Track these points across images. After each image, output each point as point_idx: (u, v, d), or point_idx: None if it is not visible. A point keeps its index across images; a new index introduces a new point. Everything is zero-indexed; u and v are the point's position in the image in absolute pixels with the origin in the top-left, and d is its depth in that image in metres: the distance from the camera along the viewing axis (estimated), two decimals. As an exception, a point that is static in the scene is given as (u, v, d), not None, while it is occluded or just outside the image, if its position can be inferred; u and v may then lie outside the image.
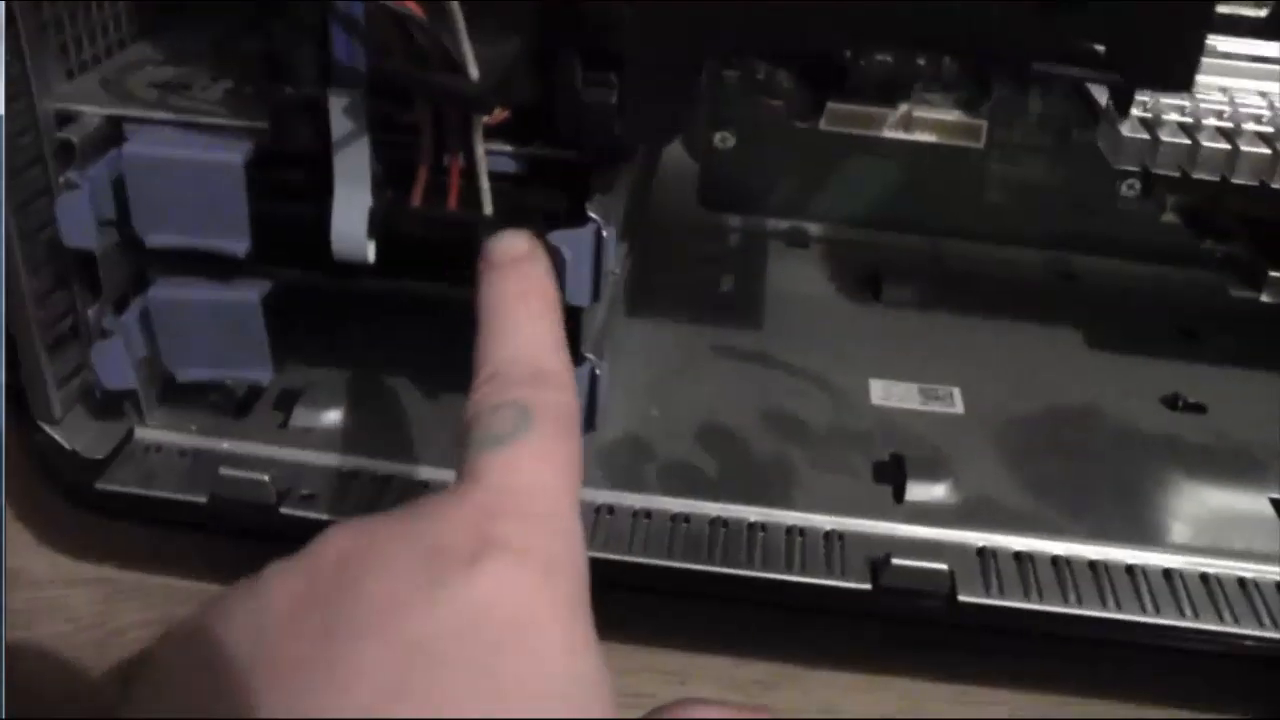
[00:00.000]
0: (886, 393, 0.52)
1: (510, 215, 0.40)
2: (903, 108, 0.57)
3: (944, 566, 0.43)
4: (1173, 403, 0.53)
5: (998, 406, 0.52)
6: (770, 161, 0.60)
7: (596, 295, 0.40)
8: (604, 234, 0.39)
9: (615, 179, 0.40)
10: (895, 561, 0.42)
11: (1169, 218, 0.56)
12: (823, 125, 0.56)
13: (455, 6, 0.33)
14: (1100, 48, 0.37)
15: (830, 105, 0.55)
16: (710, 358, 0.53)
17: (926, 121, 0.57)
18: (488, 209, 0.39)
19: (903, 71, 0.56)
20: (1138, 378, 0.54)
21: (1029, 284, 0.61)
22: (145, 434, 0.47)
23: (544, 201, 0.40)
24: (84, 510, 0.45)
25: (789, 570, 0.43)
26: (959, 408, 0.52)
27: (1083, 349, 0.57)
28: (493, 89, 0.35)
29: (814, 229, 0.62)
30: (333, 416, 0.48)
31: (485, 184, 0.38)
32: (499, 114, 0.38)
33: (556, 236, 0.39)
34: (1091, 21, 0.35)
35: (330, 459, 0.46)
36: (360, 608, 0.25)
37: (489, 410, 0.30)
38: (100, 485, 0.45)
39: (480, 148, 0.37)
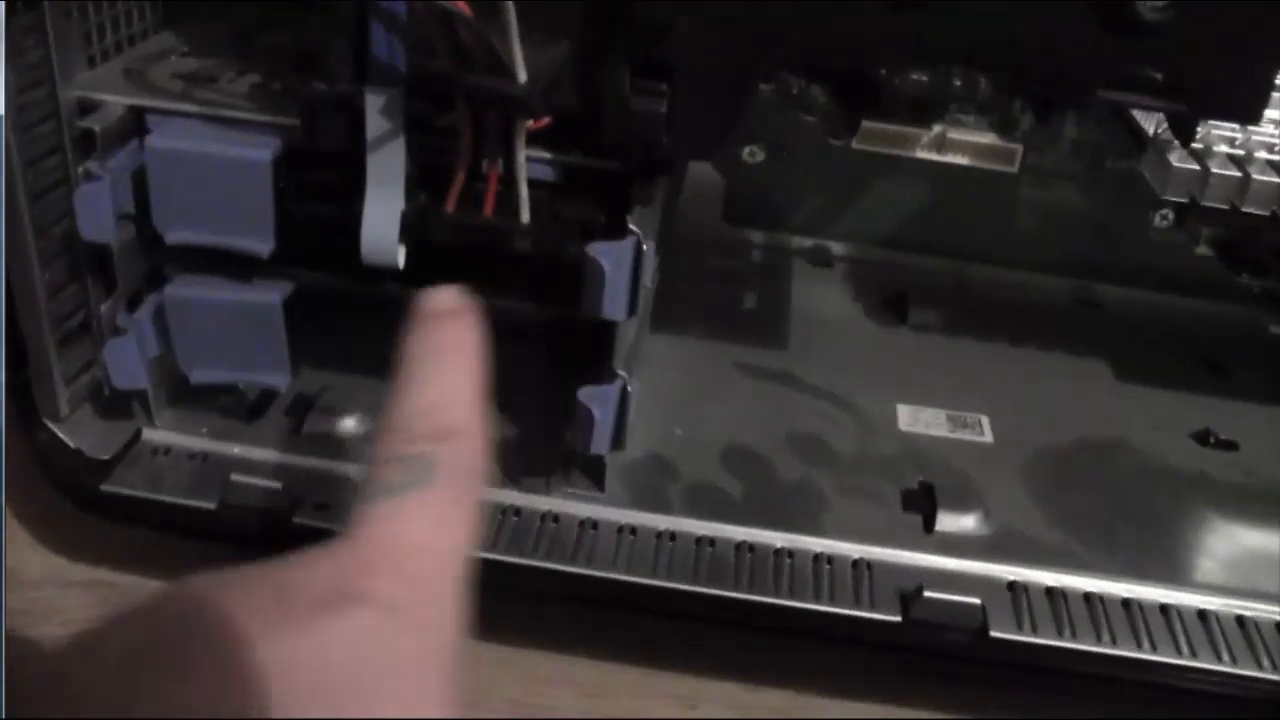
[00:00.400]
0: (914, 418, 0.51)
1: (546, 225, 0.38)
2: (936, 128, 0.56)
3: (976, 600, 0.42)
4: (1204, 439, 0.52)
5: (1026, 436, 0.51)
6: (797, 178, 0.59)
7: (633, 310, 0.39)
8: (644, 247, 0.38)
9: (654, 191, 0.39)
10: (927, 594, 0.41)
11: (1202, 250, 0.55)
12: (856, 144, 0.55)
13: (509, 5, 0.32)
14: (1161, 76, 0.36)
15: (865, 123, 0.54)
16: (734, 376, 0.52)
17: (960, 143, 0.56)
18: (525, 217, 0.37)
19: (937, 91, 0.55)
20: (1166, 412, 0.53)
21: (1054, 311, 0.60)
22: (153, 435, 0.45)
23: (581, 212, 0.39)
24: (88, 512, 0.43)
25: (818, 599, 0.42)
26: (988, 436, 0.50)
27: (1110, 380, 0.56)
28: (541, 93, 0.34)
29: (837, 248, 0.61)
30: (348, 424, 0.46)
31: (524, 191, 0.37)
32: (541, 120, 0.37)
33: (595, 248, 0.37)
34: (1161, 49, 0.34)
35: (345, 467, 0.45)
36: (196, 638, 0.23)
37: (386, 462, 0.29)
38: (106, 487, 0.43)
39: (522, 154, 0.36)
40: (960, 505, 0.45)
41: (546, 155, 0.39)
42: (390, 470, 0.29)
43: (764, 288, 0.58)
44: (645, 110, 0.36)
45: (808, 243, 0.61)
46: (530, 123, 0.37)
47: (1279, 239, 0.50)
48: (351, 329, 0.49)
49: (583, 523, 0.43)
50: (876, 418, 0.51)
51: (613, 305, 0.38)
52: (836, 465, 0.47)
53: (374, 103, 0.37)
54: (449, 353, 0.32)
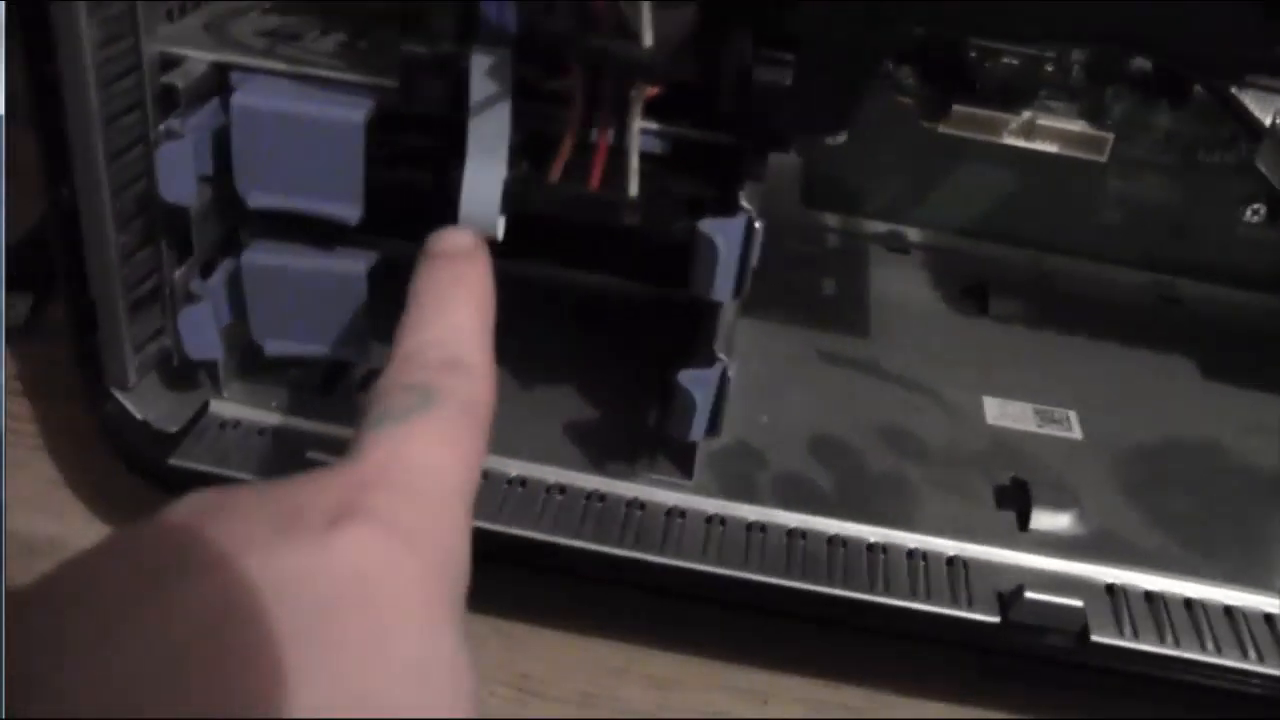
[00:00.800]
0: (1001, 411, 0.49)
1: (654, 199, 0.37)
2: (1025, 114, 0.54)
3: (1078, 603, 0.40)
4: (1289, 436, 0.50)
5: (1116, 434, 0.49)
6: (878, 162, 0.57)
7: (739, 291, 0.37)
8: (756, 225, 0.36)
9: (766, 167, 0.37)
10: (1028, 595, 0.40)
11: (1299, 247, 0.53)
12: (944, 127, 0.53)
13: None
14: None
15: (956, 107, 0.53)
16: (816, 363, 0.50)
17: (1049, 130, 0.54)
18: (634, 191, 0.36)
19: (1028, 76, 0.53)
20: (1257, 413, 0.52)
21: (1136, 306, 0.58)
22: (221, 408, 0.44)
23: (691, 187, 0.37)
24: (155, 487, 0.42)
25: (914, 598, 0.40)
26: (1077, 433, 0.49)
27: (1197, 378, 0.54)
28: (667, 60, 0.32)
29: (913, 235, 0.59)
30: (422, 401, 0.45)
31: (635, 163, 0.35)
32: (655, 89, 0.35)
33: (708, 225, 0.36)
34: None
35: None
36: (193, 558, 0.23)
37: (392, 389, 0.29)
38: (174, 461, 0.41)
39: (637, 124, 0.34)
40: (1055, 503, 0.44)
41: (655, 126, 0.37)
42: (394, 398, 0.28)
43: (842, 273, 0.56)
44: (768, 82, 0.34)
45: (883, 228, 0.59)
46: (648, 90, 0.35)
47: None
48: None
49: (670, 511, 0.42)
50: (964, 410, 0.49)
51: (723, 285, 0.36)
52: (926, 458, 0.46)
53: (480, 64, 0.35)
54: (458, 287, 0.32)
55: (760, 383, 0.48)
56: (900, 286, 0.56)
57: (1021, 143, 0.55)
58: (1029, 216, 0.58)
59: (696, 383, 0.38)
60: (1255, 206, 0.55)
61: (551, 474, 0.42)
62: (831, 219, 0.59)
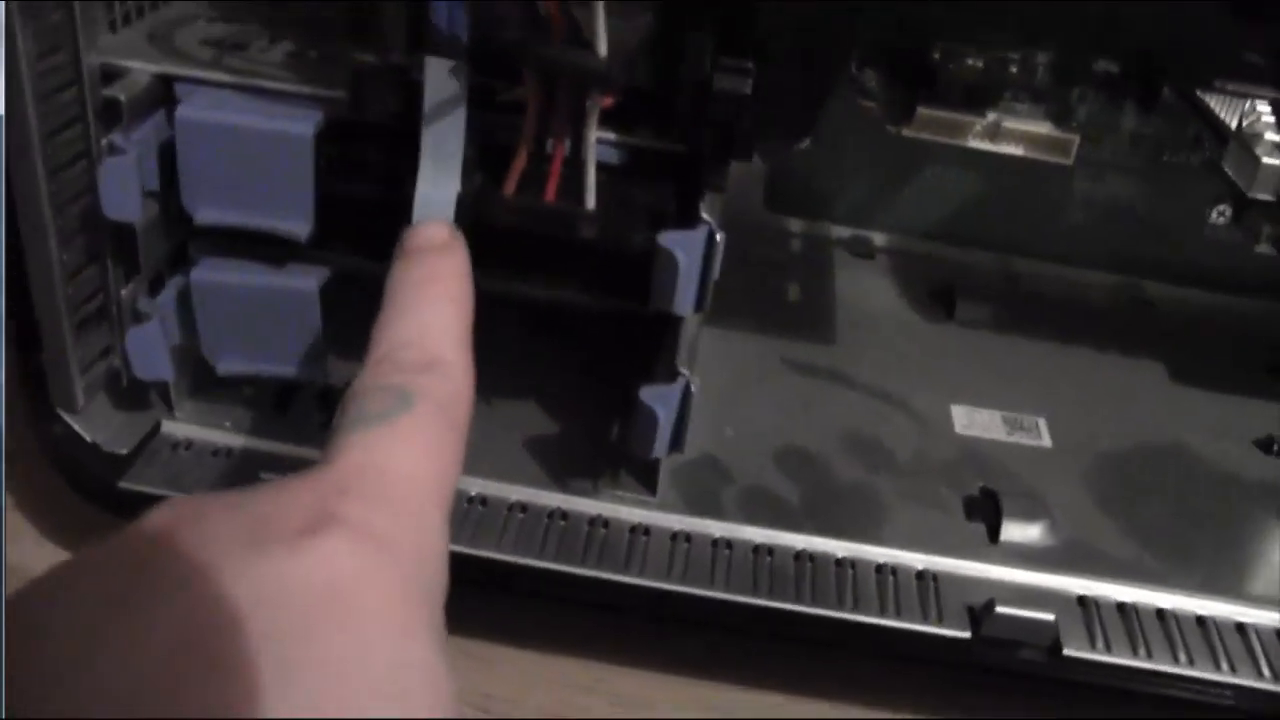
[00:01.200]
0: (970, 420, 0.48)
1: (612, 211, 0.36)
2: (990, 116, 0.53)
3: (1050, 616, 0.39)
4: (1267, 446, 0.50)
5: (1086, 441, 0.49)
6: (842, 165, 0.56)
7: (701, 304, 0.36)
8: (716, 237, 0.35)
9: (727, 177, 0.37)
10: (999, 609, 0.39)
11: (1263, 248, 0.53)
12: (909, 131, 0.53)
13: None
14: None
15: (920, 110, 0.52)
16: (782, 373, 0.50)
17: (1015, 133, 0.54)
18: (590, 203, 0.35)
19: (993, 77, 0.53)
20: (1227, 416, 0.51)
21: (1105, 309, 0.58)
22: (173, 428, 0.43)
23: (650, 198, 0.36)
24: (105, 510, 0.40)
25: (884, 614, 0.39)
26: (1046, 440, 0.48)
27: (1166, 382, 0.54)
28: (622, 68, 0.31)
29: (879, 239, 0.58)
30: (380, 418, 0.43)
31: (592, 175, 0.34)
32: (612, 97, 0.34)
33: (668, 238, 0.35)
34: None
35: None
36: (165, 574, 0.22)
37: (368, 391, 0.28)
38: (124, 484, 0.40)
39: (593, 134, 0.33)
40: (1025, 514, 0.43)
41: (612, 136, 0.36)
42: (370, 400, 0.27)
43: (807, 279, 0.56)
44: (727, 90, 0.33)
45: (848, 233, 0.58)
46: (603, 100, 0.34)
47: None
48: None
49: (634, 528, 0.41)
50: (932, 418, 0.48)
51: (684, 299, 0.35)
52: (894, 469, 0.45)
53: (433, 74, 0.34)
54: (434, 284, 0.31)
55: (724, 394, 0.47)
56: (866, 292, 0.56)
57: (987, 146, 0.54)
58: (996, 219, 0.57)
59: (658, 399, 0.37)
60: (1221, 208, 0.55)
61: (513, 492, 0.41)
62: (796, 224, 0.58)
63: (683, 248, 0.35)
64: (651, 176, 0.37)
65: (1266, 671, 0.40)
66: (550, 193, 0.35)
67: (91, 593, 0.22)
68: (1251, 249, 0.54)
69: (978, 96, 0.53)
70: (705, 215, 0.35)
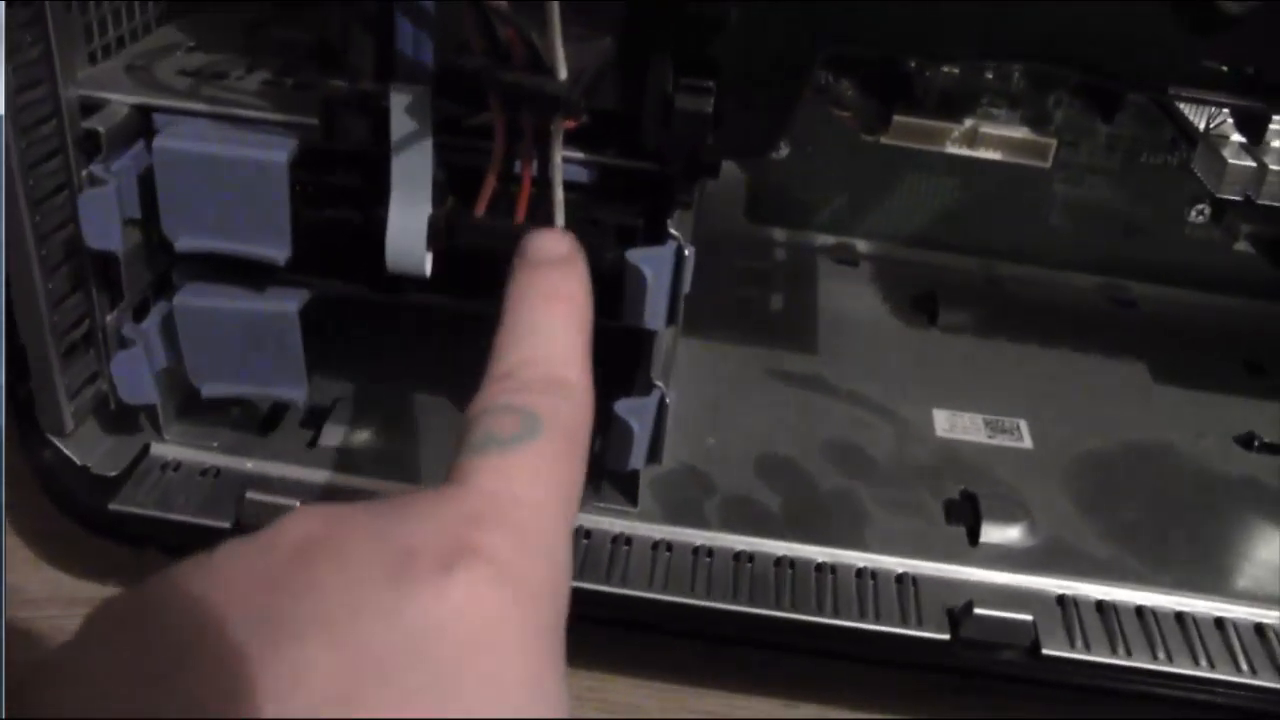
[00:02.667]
0: (951, 423, 0.49)
1: (582, 229, 0.36)
2: (968, 122, 0.54)
3: (1028, 617, 0.40)
4: (1248, 443, 0.50)
5: (1066, 442, 0.49)
6: (822, 174, 0.57)
7: (672, 319, 0.37)
8: (685, 253, 0.36)
9: (695, 194, 0.37)
10: (978, 611, 0.40)
11: (1241, 246, 0.53)
12: (887, 139, 0.53)
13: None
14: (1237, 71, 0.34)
15: (897, 118, 0.52)
16: (764, 381, 0.50)
17: (992, 138, 0.54)
18: (560, 222, 0.35)
19: (969, 84, 0.53)
20: (1208, 414, 0.52)
21: (1088, 311, 0.58)
22: (162, 450, 0.43)
23: (618, 216, 0.37)
24: (95, 533, 0.41)
25: (863, 618, 0.40)
26: (1027, 442, 0.49)
27: (1148, 381, 0.54)
28: (583, 92, 0.32)
29: (863, 246, 0.59)
30: (365, 436, 0.44)
31: (560, 195, 0.35)
32: (578, 119, 0.35)
33: (636, 255, 0.35)
34: (1239, 44, 0.32)
35: (362, 481, 0.43)
36: (313, 604, 0.22)
37: (495, 411, 0.28)
38: (114, 506, 0.41)
39: (559, 155, 0.34)
40: (1005, 515, 0.44)
41: (581, 156, 0.37)
42: (496, 422, 0.27)
43: (790, 288, 0.56)
44: (690, 110, 0.34)
45: (831, 240, 0.59)
46: (567, 122, 0.35)
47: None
48: (367, 338, 0.47)
49: (615, 539, 0.42)
50: (913, 424, 0.49)
51: (653, 314, 0.36)
52: (875, 474, 0.46)
53: (399, 101, 0.34)
54: (558, 301, 0.31)
55: (706, 404, 0.48)
56: (849, 299, 0.56)
57: (965, 151, 0.54)
58: (978, 224, 0.58)
59: (633, 412, 0.38)
60: (1200, 207, 0.55)
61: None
62: (778, 233, 0.59)
63: (650, 264, 0.35)
64: (621, 194, 0.37)
65: (1245, 666, 0.40)
66: (520, 213, 0.36)
67: (238, 609, 0.22)
68: (1230, 247, 0.55)
69: (954, 103, 0.53)
70: (673, 232, 0.36)
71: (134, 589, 0.24)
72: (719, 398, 0.48)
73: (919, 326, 0.56)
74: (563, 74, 0.31)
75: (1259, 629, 0.41)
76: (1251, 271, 0.54)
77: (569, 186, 0.36)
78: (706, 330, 0.51)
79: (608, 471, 0.42)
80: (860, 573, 0.42)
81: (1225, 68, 0.34)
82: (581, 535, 0.42)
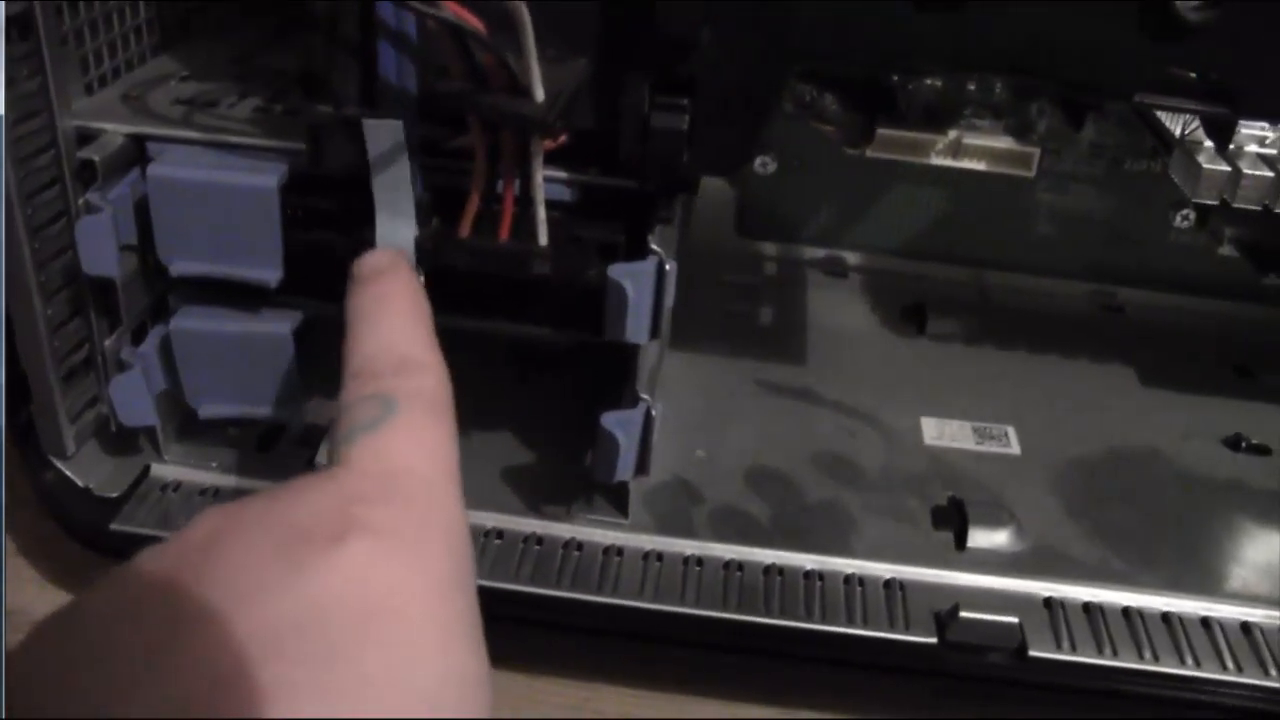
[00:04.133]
0: (939, 431, 0.50)
1: (565, 247, 0.37)
2: (951, 134, 0.55)
3: (1014, 619, 0.41)
4: (1235, 444, 0.51)
5: (1055, 447, 0.50)
6: (810, 188, 0.58)
7: (655, 332, 0.38)
8: (666, 267, 0.37)
9: (675, 209, 0.38)
10: (963, 614, 0.40)
11: (1226, 250, 0.54)
12: (871, 152, 0.54)
13: (526, 22, 0.31)
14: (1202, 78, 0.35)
15: (880, 131, 0.53)
16: (754, 394, 0.51)
17: (976, 149, 0.55)
18: (543, 240, 0.36)
19: (952, 96, 0.54)
20: (1196, 417, 0.52)
21: (1076, 317, 0.59)
22: (162, 470, 0.44)
23: (601, 233, 0.38)
24: (97, 553, 0.42)
25: (850, 623, 0.41)
26: (1015, 448, 0.49)
27: (1136, 386, 0.55)
28: (560, 113, 0.33)
29: (852, 258, 0.60)
30: (361, 454, 0.45)
31: (542, 214, 0.36)
32: (559, 139, 0.36)
33: (617, 270, 0.36)
34: (1202, 51, 0.33)
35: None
36: (217, 589, 0.23)
37: (352, 405, 0.29)
38: (115, 526, 0.42)
39: (539, 175, 0.35)
40: (991, 520, 0.44)
41: (563, 175, 0.38)
42: (358, 411, 0.29)
43: (779, 301, 0.57)
44: (665, 128, 0.35)
45: (821, 253, 0.60)
46: (547, 142, 0.35)
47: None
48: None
49: (607, 550, 0.42)
50: (901, 432, 0.49)
51: (636, 328, 0.37)
52: (863, 483, 0.46)
53: (382, 126, 0.35)
54: (388, 300, 0.33)
55: (697, 417, 0.48)
56: (838, 311, 0.57)
57: (950, 162, 0.55)
58: (966, 234, 0.59)
59: (619, 424, 0.39)
60: (1184, 212, 0.56)
61: (490, 519, 0.43)
62: (768, 247, 0.59)
63: (632, 279, 0.36)
64: (603, 211, 0.38)
65: (1231, 665, 0.40)
66: (504, 232, 0.36)
67: (144, 607, 0.23)
68: (1215, 251, 0.56)
69: (937, 115, 0.54)
70: (654, 247, 0.36)
71: (70, 601, 0.25)
72: (708, 409, 0.49)
73: (908, 336, 0.56)
74: (539, 96, 0.32)
75: (1245, 627, 0.42)
76: (1237, 275, 0.55)
77: (551, 205, 0.37)
78: (696, 343, 0.52)
79: (600, 484, 0.42)
80: (848, 579, 0.42)
81: (1192, 74, 0.35)
82: (574, 547, 0.42)
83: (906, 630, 0.40)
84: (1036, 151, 0.55)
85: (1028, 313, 0.58)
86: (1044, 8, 0.33)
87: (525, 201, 0.36)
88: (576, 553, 0.42)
